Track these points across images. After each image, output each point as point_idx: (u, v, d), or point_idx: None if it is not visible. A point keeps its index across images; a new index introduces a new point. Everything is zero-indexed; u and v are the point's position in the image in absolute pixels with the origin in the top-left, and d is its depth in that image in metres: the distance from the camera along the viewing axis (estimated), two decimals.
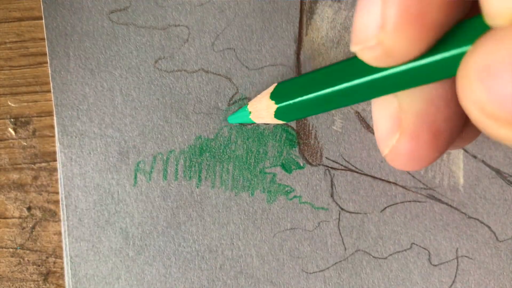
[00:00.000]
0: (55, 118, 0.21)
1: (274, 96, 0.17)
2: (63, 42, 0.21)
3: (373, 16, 0.11)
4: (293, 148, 0.21)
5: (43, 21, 0.21)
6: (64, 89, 0.21)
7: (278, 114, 0.17)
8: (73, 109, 0.21)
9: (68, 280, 0.21)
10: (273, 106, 0.17)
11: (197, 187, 0.21)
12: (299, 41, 0.21)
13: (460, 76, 0.10)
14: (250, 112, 0.19)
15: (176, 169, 0.21)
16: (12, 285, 0.21)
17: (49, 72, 0.21)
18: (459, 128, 0.13)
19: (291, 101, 0.16)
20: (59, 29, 0.21)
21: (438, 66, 0.11)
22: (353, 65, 0.13)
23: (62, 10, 0.20)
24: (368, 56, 0.12)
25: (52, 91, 0.21)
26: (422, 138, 0.12)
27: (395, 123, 0.13)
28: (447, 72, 0.11)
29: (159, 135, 0.21)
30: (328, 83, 0.14)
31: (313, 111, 0.16)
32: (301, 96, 0.15)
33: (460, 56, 0.11)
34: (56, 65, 0.20)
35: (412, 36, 0.10)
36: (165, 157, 0.21)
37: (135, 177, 0.21)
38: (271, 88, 0.18)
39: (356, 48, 0.12)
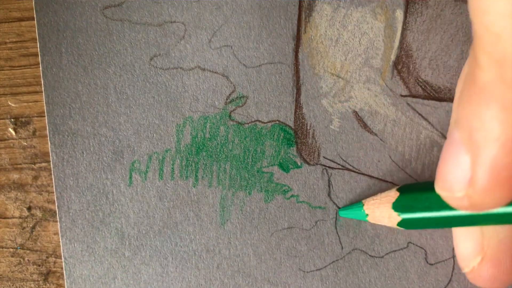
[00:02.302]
0: (46, 116, 0.19)
1: (396, 206, 0.17)
2: (55, 38, 0.19)
3: (462, 170, 0.11)
4: (291, 147, 0.19)
5: (34, 16, 0.19)
6: (56, 87, 0.19)
7: (401, 224, 0.17)
8: (65, 108, 0.19)
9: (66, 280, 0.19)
10: (396, 217, 0.17)
11: (194, 186, 0.19)
12: (297, 38, 0.19)
13: None
14: (367, 214, 0.18)
15: (172, 168, 0.19)
16: (12, 285, 0.20)
17: (40, 69, 0.19)
18: None
19: (416, 216, 0.16)
20: (51, 25, 0.19)
21: None
22: None
23: (54, 5, 0.19)
24: (454, 204, 0.12)
25: (43, 88, 0.19)
26: (504, 264, 0.12)
27: (477, 247, 0.13)
28: None
29: (154, 134, 0.19)
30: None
31: (439, 226, 0.15)
32: (426, 212, 0.15)
33: None
34: (47, 62, 0.19)
35: (501, 196, 0.10)
36: (161, 157, 0.19)
37: (130, 177, 0.19)
38: (391, 195, 0.17)
39: (443, 194, 0.12)
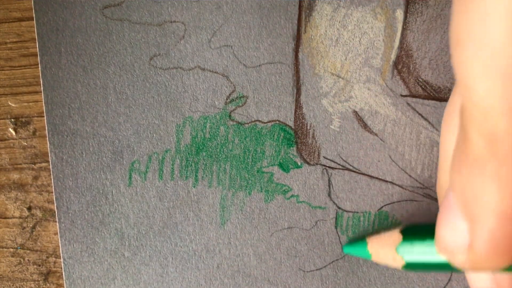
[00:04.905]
0: (45, 116, 0.18)
1: (400, 249, 0.17)
2: (54, 38, 0.18)
3: (461, 235, 0.11)
4: (291, 147, 0.19)
5: (34, 15, 0.18)
6: (55, 87, 0.18)
7: (406, 267, 0.17)
8: (65, 108, 0.18)
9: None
10: (400, 260, 0.17)
11: (194, 186, 0.19)
12: (297, 38, 0.19)
13: None
14: (370, 254, 0.18)
15: (172, 168, 0.19)
16: (13, 285, 0.19)
17: (39, 69, 0.18)
18: None
19: (420, 260, 0.16)
20: (50, 25, 0.18)
21: None
22: None
23: (53, 4, 0.18)
24: (456, 265, 0.12)
25: (42, 88, 0.18)
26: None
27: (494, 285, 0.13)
28: None
29: (154, 134, 0.19)
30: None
31: (444, 270, 0.16)
32: (431, 256, 0.15)
33: None
34: (47, 61, 0.18)
35: (501, 261, 0.10)
36: (160, 157, 0.19)
37: (130, 177, 0.19)
38: (395, 238, 0.17)
39: (444, 255, 0.12)
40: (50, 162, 0.19)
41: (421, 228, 0.17)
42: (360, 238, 0.19)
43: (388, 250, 0.17)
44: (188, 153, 0.19)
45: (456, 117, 0.13)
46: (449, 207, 0.11)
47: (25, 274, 0.19)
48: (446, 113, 0.14)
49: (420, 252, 0.16)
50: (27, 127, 0.19)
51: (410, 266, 0.17)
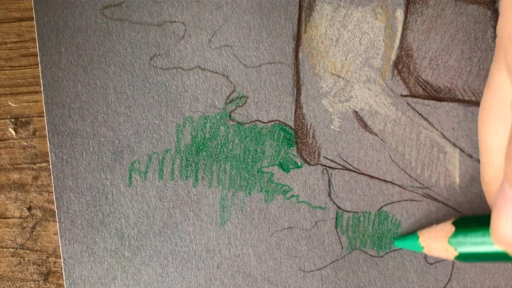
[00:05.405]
0: (45, 116, 0.18)
1: (452, 241, 0.17)
2: (54, 38, 0.18)
3: None
4: (291, 147, 0.19)
5: (34, 15, 0.18)
6: (55, 87, 0.18)
7: (458, 258, 0.17)
8: (65, 108, 0.18)
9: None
10: (453, 252, 0.17)
11: (194, 186, 0.19)
12: (297, 38, 0.19)
13: None
14: (422, 247, 0.18)
15: (172, 168, 0.19)
16: (13, 285, 0.19)
17: (40, 69, 0.18)
18: None
19: (473, 251, 0.16)
20: (51, 25, 0.18)
21: None
22: None
23: (53, 4, 0.18)
24: None
25: (42, 88, 0.18)
26: None
27: None
28: None
29: (154, 134, 0.19)
30: None
31: (496, 260, 0.16)
32: (484, 247, 0.15)
33: None
34: (47, 61, 0.18)
35: None
36: (160, 157, 0.19)
37: (130, 177, 0.19)
38: (447, 230, 0.17)
39: (502, 247, 0.12)
40: (50, 162, 0.19)
41: (473, 219, 0.17)
42: (410, 232, 0.19)
43: (440, 242, 0.17)
44: (188, 153, 0.19)
45: (495, 112, 0.13)
46: (506, 199, 0.10)
47: (25, 274, 0.19)
48: (482, 110, 0.14)
49: (474, 242, 0.16)
50: (27, 127, 0.19)
51: (463, 257, 0.17)
